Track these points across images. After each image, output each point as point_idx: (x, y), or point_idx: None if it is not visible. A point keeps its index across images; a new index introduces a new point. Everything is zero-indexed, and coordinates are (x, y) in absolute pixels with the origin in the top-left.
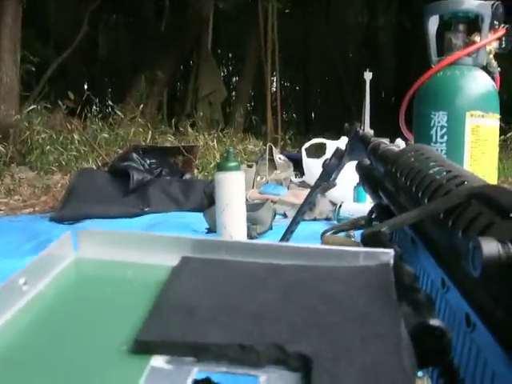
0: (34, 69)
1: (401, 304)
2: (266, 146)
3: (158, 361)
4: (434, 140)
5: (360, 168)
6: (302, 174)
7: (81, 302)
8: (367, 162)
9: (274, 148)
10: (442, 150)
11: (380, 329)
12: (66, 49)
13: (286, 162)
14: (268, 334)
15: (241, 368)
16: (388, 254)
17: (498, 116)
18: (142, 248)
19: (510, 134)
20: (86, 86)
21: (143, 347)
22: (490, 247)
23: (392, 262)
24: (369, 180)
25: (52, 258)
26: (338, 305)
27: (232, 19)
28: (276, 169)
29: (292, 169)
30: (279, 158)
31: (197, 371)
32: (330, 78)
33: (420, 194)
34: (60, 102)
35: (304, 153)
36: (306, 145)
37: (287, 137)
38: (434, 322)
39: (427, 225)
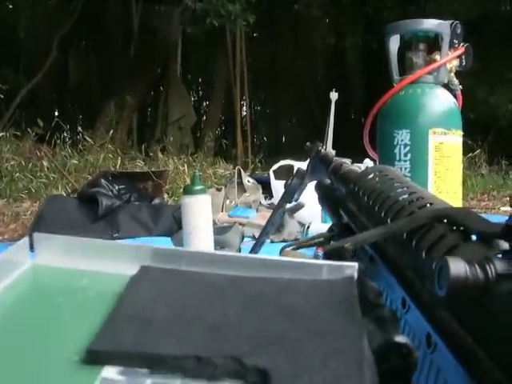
0: (2, 96)
1: (365, 320)
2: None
3: (110, 372)
4: (397, 158)
5: (319, 188)
6: (271, 196)
7: (35, 311)
8: (327, 181)
9: (242, 171)
10: (406, 168)
11: (342, 344)
12: (36, 75)
13: (254, 185)
14: (226, 347)
15: (197, 381)
16: (352, 268)
17: (461, 133)
18: (100, 256)
19: (477, 152)
20: (56, 113)
21: (95, 357)
22: (458, 267)
23: (356, 275)
24: (329, 200)
25: (7, 264)
26: (299, 318)
27: (200, 44)
28: (245, 192)
29: (261, 191)
30: (248, 180)
31: (150, 383)
32: (300, 100)
33: (383, 214)
34: (29, 129)
35: (272, 175)
36: (274, 167)
37: (257, 160)
38: (400, 339)
39: (389, 244)
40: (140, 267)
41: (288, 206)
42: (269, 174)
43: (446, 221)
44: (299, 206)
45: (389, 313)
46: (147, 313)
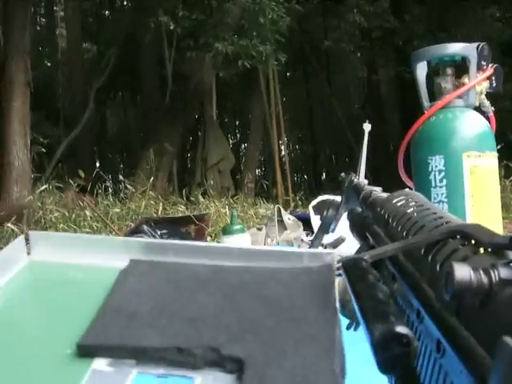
0: (44, 150)
1: (371, 313)
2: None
3: (100, 364)
4: (433, 185)
5: (351, 215)
6: (313, 232)
7: (31, 306)
8: (358, 209)
9: (282, 209)
10: (442, 194)
11: (314, 331)
12: (75, 128)
13: (295, 222)
14: (205, 338)
15: (178, 370)
16: (330, 255)
17: (496, 154)
18: (93, 250)
19: None
20: (97, 163)
21: (85, 351)
22: (463, 271)
23: (335, 262)
24: (358, 225)
25: (5, 261)
26: (275, 307)
27: (235, 86)
28: (286, 229)
29: (301, 228)
30: (288, 218)
31: (136, 373)
32: (337, 136)
33: (405, 233)
34: (71, 181)
35: (311, 210)
36: (313, 202)
37: (298, 198)
38: (402, 329)
39: (408, 259)
40: (130, 261)
41: (329, 241)
42: (309, 211)
43: (459, 236)
44: (340, 241)
45: (394, 307)
46: (133, 307)
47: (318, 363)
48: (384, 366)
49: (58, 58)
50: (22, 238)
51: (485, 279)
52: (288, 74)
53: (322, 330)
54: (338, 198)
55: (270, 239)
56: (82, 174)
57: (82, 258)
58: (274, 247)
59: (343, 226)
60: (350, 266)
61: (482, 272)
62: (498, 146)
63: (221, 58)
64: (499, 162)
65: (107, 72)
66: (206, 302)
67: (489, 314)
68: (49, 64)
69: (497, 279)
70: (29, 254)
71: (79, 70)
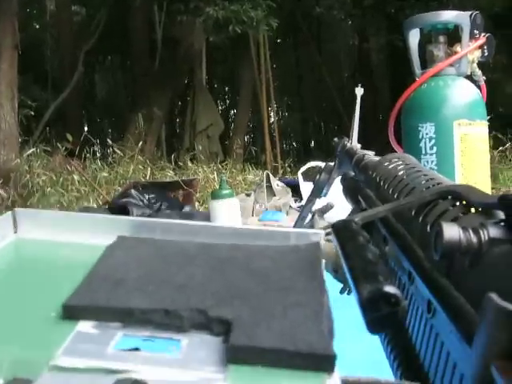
0: (32, 113)
1: (360, 273)
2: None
3: (85, 325)
4: (423, 152)
5: (344, 179)
6: (301, 198)
7: (16, 281)
8: (351, 174)
9: (271, 175)
10: (432, 162)
11: (302, 298)
12: (63, 92)
13: (284, 188)
14: (192, 301)
15: (165, 332)
16: (318, 234)
17: (487, 123)
18: (80, 228)
19: (508, 145)
20: (85, 128)
21: (70, 312)
22: (452, 231)
23: (322, 241)
24: (351, 189)
25: None
26: (263, 278)
27: (225, 52)
28: (275, 195)
29: (290, 194)
30: (277, 184)
31: (122, 335)
32: (327, 103)
33: (396, 195)
34: (59, 144)
35: (300, 177)
36: (302, 169)
37: (287, 165)
38: (390, 289)
39: (399, 221)
40: (117, 237)
41: (317, 207)
42: (298, 178)
43: (449, 197)
44: (329, 207)
45: (384, 268)
46: (120, 274)
47: (306, 325)
48: (372, 325)
49: (47, 20)
50: (8, 214)
51: (474, 238)
52: (278, 40)
53: (309, 297)
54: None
55: (259, 205)
56: (69, 137)
57: (69, 236)
58: (261, 227)
59: (334, 192)
60: (340, 228)
61: (471, 231)
62: (488, 117)
63: (211, 23)
64: (489, 133)
65: (96, 35)
66: (194, 272)
67: (478, 273)
68: (37, 26)
69: (486, 238)
70: (15, 231)
71: (68, 32)
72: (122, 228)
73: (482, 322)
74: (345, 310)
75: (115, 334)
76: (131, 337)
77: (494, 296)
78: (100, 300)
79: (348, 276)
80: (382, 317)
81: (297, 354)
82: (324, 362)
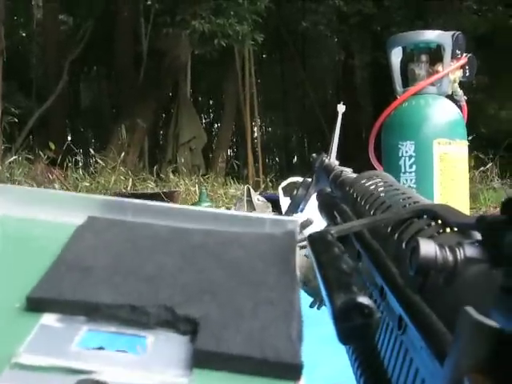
0: (16, 120)
1: (335, 283)
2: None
3: (50, 319)
4: (403, 170)
5: (320, 195)
6: (281, 213)
7: None
8: (328, 189)
9: (251, 190)
10: (411, 180)
11: (273, 295)
12: (48, 100)
13: (264, 203)
14: (160, 297)
15: (130, 328)
16: (294, 222)
17: (467, 143)
18: (52, 206)
19: (489, 165)
20: (68, 137)
21: (34, 305)
22: (428, 248)
23: (297, 229)
24: (327, 205)
25: None
26: (235, 270)
27: (210, 66)
28: (255, 210)
29: (270, 209)
30: (257, 198)
31: (86, 330)
32: (310, 120)
33: (372, 212)
34: (41, 153)
35: (281, 192)
36: (283, 184)
37: (269, 179)
38: (364, 300)
39: (374, 238)
40: (87, 217)
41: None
42: (278, 192)
43: (426, 216)
44: (308, 223)
45: (356, 279)
46: (87, 262)
47: (276, 327)
48: (343, 335)
49: (34, 28)
50: None
51: (450, 256)
52: (264, 55)
53: (280, 294)
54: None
55: None
56: (52, 146)
57: (40, 213)
58: (237, 212)
59: (312, 208)
60: (316, 239)
61: (447, 249)
62: (470, 137)
63: (197, 36)
64: (470, 153)
65: (82, 45)
66: (164, 261)
67: (452, 292)
68: (23, 34)
69: (462, 257)
70: None
71: (54, 41)
72: (93, 208)
73: (457, 335)
74: (314, 327)
75: (80, 329)
76: (96, 332)
77: (469, 309)
78: (66, 293)
79: (321, 286)
80: (354, 327)
81: (264, 361)
82: (291, 370)
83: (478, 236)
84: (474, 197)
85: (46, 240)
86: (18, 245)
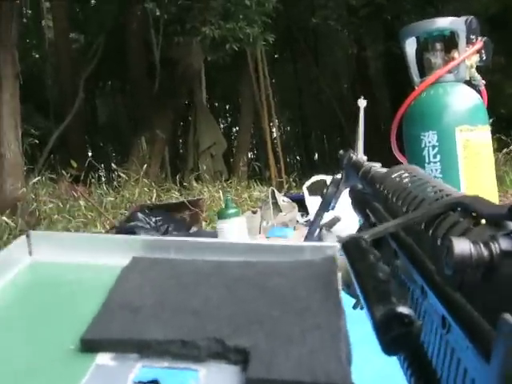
0: (36, 141)
1: (372, 294)
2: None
3: (104, 358)
4: (427, 161)
5: (352, 192)
6: (307, 213)
7: (35, 305)
8: (359, 186)
9: (276, 191)
10: (436, 170)
11: (319, 320)
12: (66, 119)
13: (290, 204)
14: (209, 329)
15: (182, 362)
16: (333, 248)
17: (489, 127)
18: (95, 249)
19: None
20: (89, 153)
21: (88, 346)
22: (462, 246)
23: (337, 254)
24: (360, 203)
25: (7, 261)
26: (279, 298)
27: (224, 71)
28: (281, 211)
29: (296, 209)
30: (283, 200)
31: (140, 367)
32: (328, 115)
33: (405, 209)
34: (64, 171)
35: (306, 191)
36: (307, 183)
37: (291, 179)
38: (403, 309)
39: (409, 236)
40: (132, 258)
41: (324, 221)
42: (303, 192)
43: (459, 209)
44: (335, 220)
45: (396, 286)
46: (135, 301)
47: (324, 351)
48: (387, 347)
49: (46, 49)
50: (23, 237)
51: (485, 252)
52: (276, 55)
53: (326, 319)
54: (330, 178)
55: (266, 222)
56: (74, 164)
57: (83, 258)
58: (275, 242)
59: (341, 205)
60: (350, 247)
61: (482, 245)
62: (490, 120)
63: (208, 42)
64: (492, 136)
65: (95, 61)
66: (208, 294)
67: (491, 287)
68: (37, 56)
69: (497, 251)
70: (30, 253)
71: (67, 60)
72: (136, 248)
73: (496, 343)
74: (359, 325)
75: (134, 366)
76: (150, 368)
77: (508, 316)
78: (117, 332)
79: (360, 296)
80: (396, 338)
81: None
82: None
83: (510, 226)
84: (500, 180)
85: (93, 283)
86: (64, 289)
